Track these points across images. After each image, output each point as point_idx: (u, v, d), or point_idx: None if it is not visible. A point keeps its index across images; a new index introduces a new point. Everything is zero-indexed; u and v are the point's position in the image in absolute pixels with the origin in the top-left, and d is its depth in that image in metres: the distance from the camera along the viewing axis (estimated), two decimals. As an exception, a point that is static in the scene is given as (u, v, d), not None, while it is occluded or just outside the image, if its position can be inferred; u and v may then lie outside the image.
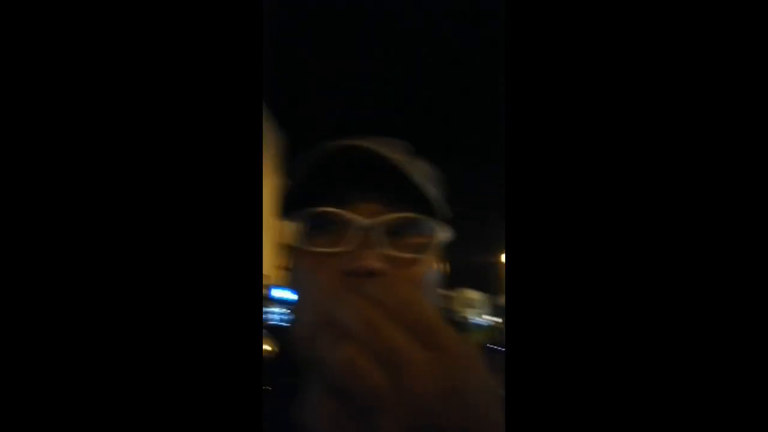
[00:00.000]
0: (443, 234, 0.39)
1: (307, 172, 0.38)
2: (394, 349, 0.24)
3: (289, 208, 0.39)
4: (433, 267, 0.38)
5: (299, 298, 0.37)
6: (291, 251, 0.40)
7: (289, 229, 0.39)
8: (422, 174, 0.38)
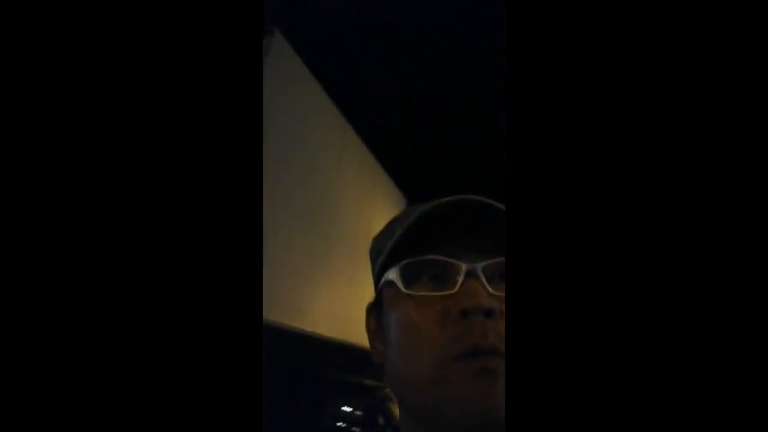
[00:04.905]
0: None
1: (408, 224, 0.39)
2: None
3: (390, 259, 0.40)
4: None
5: (407, 343, 0.37)
6: (390, 300, 0.41)
7: (390, 278, 0.40)
8: None
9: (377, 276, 0.44)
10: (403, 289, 0.38)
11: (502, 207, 0.37)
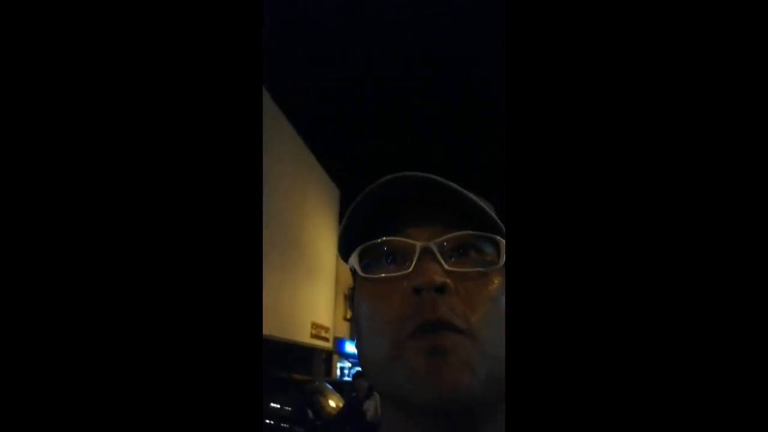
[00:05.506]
0: (505, 252, 0.38)
1: (359, 208, 0.38)
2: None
3: (348, 246, 0.40)
4: (500, 283, 0.37)
5: (368, 325, 0.37)
6: (354, 286, 0.41)
7: (351, 264, 0.40)
8: (474, 197, 0.39)
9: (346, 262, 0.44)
10: (361, 273, 0.38)
11: (452, 183, 0.37)
